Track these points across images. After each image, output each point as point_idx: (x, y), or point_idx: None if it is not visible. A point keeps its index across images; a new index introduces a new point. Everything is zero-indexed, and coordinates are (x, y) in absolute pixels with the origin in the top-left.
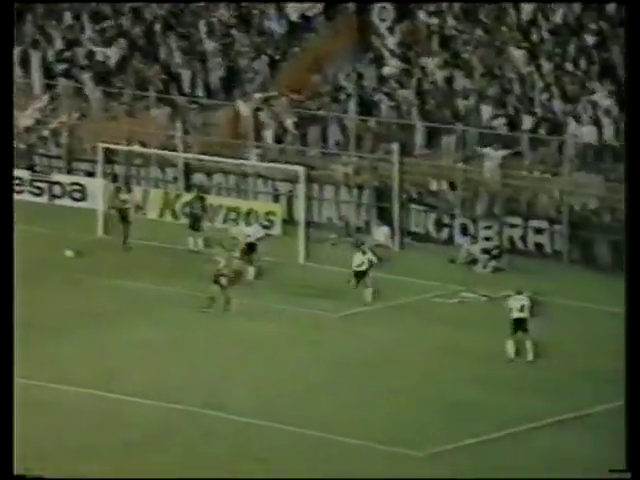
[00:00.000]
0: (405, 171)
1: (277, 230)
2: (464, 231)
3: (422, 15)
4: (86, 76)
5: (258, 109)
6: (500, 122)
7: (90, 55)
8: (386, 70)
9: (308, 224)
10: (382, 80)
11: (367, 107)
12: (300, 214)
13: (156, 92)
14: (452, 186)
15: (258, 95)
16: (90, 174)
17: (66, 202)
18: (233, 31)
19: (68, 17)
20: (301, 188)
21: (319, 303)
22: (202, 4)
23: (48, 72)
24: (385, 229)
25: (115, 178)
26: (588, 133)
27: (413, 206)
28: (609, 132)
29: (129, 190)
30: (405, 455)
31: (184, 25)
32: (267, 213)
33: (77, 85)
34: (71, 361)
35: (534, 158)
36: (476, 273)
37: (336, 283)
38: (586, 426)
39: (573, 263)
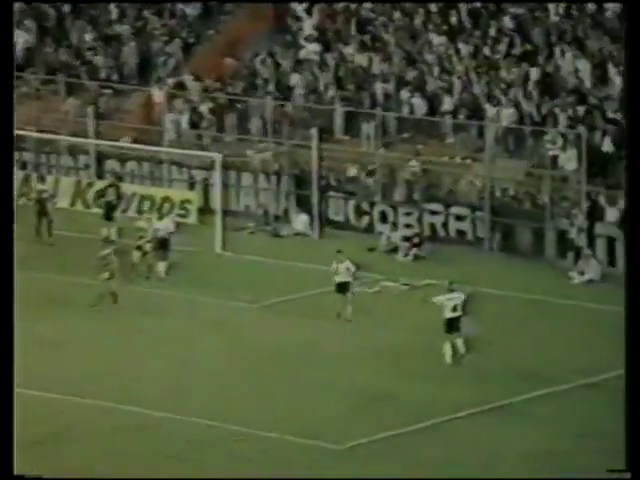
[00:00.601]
0: (324, 157)
1: (193, 219)
2: (384, 219)
3: None
4: None
5: (172, 94)
6: (420, 106)
7: None
8: (303, 53)
9: (225, 212)
10: (299, 64)
11: (284, 92)
12: (217, 202)
13: (67, 77)
14: (371, 173)
15: (171, 80)
16: None
17: None
18: (145, 13)
19: None
20: (217, 175)
21: (237, 294)
22: None
23: None
24: (304, 217)
25: (24, 166)
26: (508, 117)
27: (332, 193)
28: (529, 116)
29: (42, 179)
30: (324, 449)
31: (95, 8)
32: (182, 201)
33: None
34: None
35: (455, 143)
36: (397, 261)
37: (254, 273)
38: (509, 416)
39: (495, 250)
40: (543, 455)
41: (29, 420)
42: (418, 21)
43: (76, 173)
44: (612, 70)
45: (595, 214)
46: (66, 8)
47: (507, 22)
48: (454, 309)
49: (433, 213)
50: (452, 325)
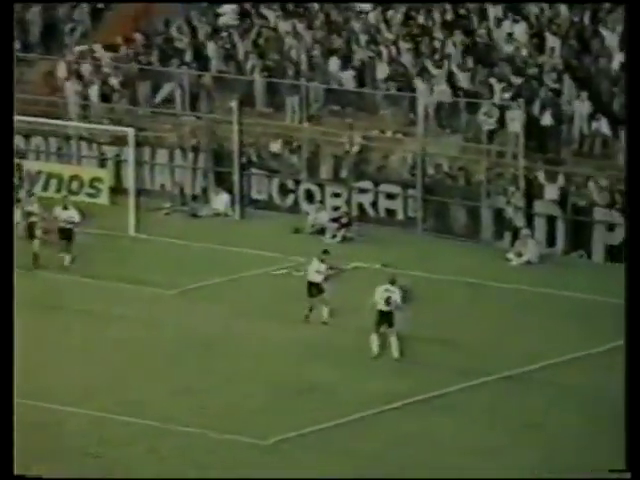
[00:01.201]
0: (245, 132)
1: (104, 199)
2: (310, 198)
3: None
4: None
5: (79, 64)
6: (348, 77)
7: None
8: (222, 20)
9: (139, 192)
10: (218, 31)
11: (202, 61)
12: (130, 181)
13: None
14: (296, 148)
15: (79, 48)
16: None
17: None
18: None
19: None
20: (130, 152)
21: (152, 278)
22: None
23: None
24: (224, 196)
25: None
26: (441, 90)
27: (254, 170)
28: (463, 88)
29: None
30: (249, 444)
31: None
32: (92, 180)
33: None
34: None
35: (386, 116)
36: (324, 243)
37: (170, 256)
38: (444, 408)
39: (427, 231)
40: (480, 448)
41: None
42: None
43: None
44: (551, 38)
45: (533, 192)
46: None
47: None
48: (387, 302)
49: (362, 191)
50: (383, 318)
